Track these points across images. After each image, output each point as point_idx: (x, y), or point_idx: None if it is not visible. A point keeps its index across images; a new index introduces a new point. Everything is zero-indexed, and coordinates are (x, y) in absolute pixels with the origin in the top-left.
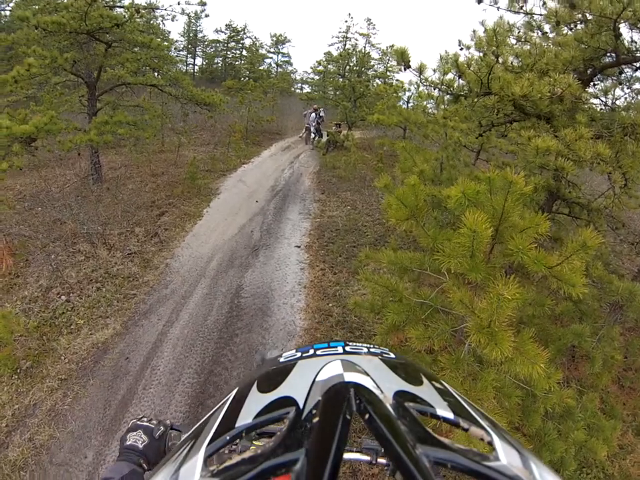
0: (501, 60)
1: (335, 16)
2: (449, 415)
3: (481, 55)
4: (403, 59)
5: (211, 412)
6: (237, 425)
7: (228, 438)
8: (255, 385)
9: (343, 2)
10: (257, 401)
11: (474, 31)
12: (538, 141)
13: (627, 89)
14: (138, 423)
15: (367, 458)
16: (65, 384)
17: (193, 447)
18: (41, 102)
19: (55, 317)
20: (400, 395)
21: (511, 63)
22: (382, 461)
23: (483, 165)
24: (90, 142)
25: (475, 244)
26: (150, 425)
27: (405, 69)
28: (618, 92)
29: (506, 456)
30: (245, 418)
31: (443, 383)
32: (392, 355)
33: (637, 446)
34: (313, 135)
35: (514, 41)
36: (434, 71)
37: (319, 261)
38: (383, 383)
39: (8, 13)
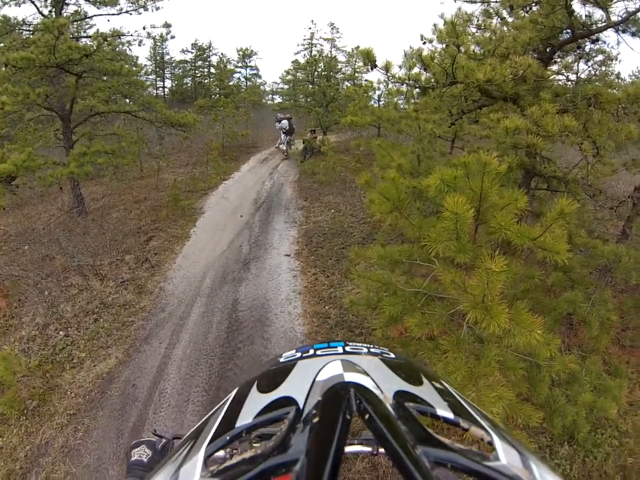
0: (462, 49)
1: (299, 24)
2: (449, 414)
3: (444, 46)
4: (369, 59)
5: (211, 412)
6: (237, 425)
7: (228, 438)
8: (255, 385)
9: (306, 9)
10: (257, 401)
11: (434, 25)
12: (506, 121)
13: (586, 63)
14: (140, 440)
15: (369, 449)
16: (75, 418)
17: (192, 447)
18: (15, 140)
19: (55, 353)
20: (400, 395)
21: (473, 51)
22: (383, 451)
23: (459, 153)
24: (71, 174)
25: (459, 226)
26: (151, 439)
27: (371, 69)
28: (582, 66)
29: (506, 456)
30: (245, 418)
31: (443, 383)
32: (392, 355)
33: None
34: (283, 146)
35: (474, 30)
36: (400, 67)
37: (310, 266)
38: (383, 383)
39: None
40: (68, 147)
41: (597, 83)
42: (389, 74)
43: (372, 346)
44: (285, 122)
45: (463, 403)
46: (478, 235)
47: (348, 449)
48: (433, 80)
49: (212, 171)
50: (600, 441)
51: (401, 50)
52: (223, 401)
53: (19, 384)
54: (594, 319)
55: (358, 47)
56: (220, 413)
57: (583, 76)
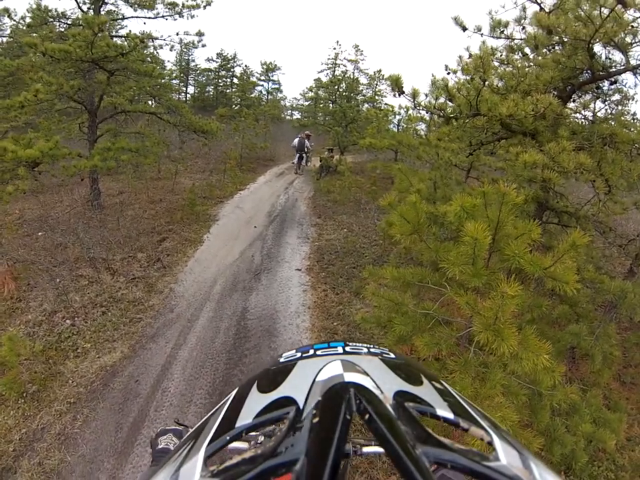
0: (487, 83)
1: (323, 43)
2: (449, 415)
3: (468, 78)
4: (397, 85)
5: (211, 412)
6: (237, 425)
7: (228, 438)
8: (255, 384)
9: (331, 29)
10: (257, 401)
11: (460, 57)
12: (525, 155)
13: (604, 102)
14: (166, 427)
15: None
16: (74, 407)
17: (193, 447)
18: (39, 128)
19: (60, 340)
20: (400, 395)
21: (496, 85)
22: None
23: (473, 183)
24: (94, 167)
25: (477, 251)
26: (178, 427)
27: (399, 95)
28: (599, 104)
29: (506, 456)
30: (245, 418)
31: (443, 383)
32: (392, 355)
33: None
34: (304, 161)
35: (497, 64)
36: (425, 95)
37: (321, 282)
38: (383, 383)
39: (4, 40)
40: (92, 141)
41: (612, 123)
42: (415, 101)
43: (372, 346)
44: (295, 140)
45: (463, 403)
46: (491, 262)
47: (366, 449)
48: (457, 110)
49: (228, 180)
50: (597, 473)
51: (422, 77)
52: (223, 401)
53: (21, 367)
54: (597, 352)
55: (380, 70)
56: (220, 412)
57: (599, 114)
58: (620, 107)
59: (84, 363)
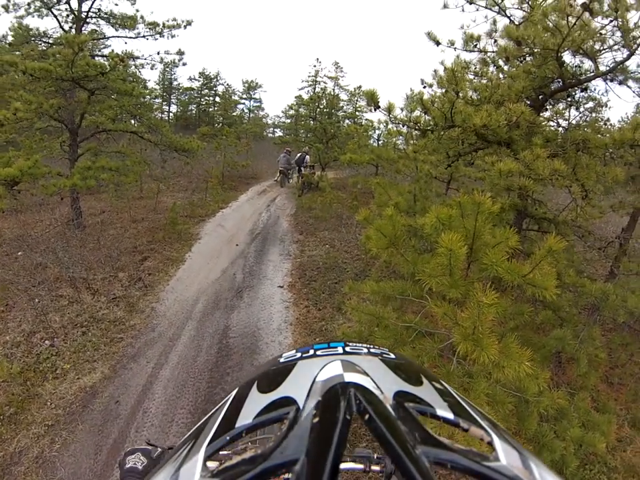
0: (461, 95)
1: (303, 60)
2: (449, 415)
3: (443, 91)
4: (372, 100)
5: (211, 412)
6: (237, 425)
7: (228, 438)
8: (255, 385)
9: (311, 47)
10: (257, 401)
11: (435, 71)
12: (500, 164)
13: (577, 109)
14: (135, 447)
15: (361, 466)
16: (52, 430)
17: (192, 447)
18: (20, 147)
19: (39, 362)
20: (400, 396)
21: (470, 97)
22: (375, 468)
23: (454, 194)
24: (73, 186)
25: (453, 261)
26: (147, 447)
27: (374, 109)
28: (573, 112)
29: (506, 456)
30: (245, 418)
31: (443, 383)
32: (392, 355)
33: (635, 437)
34: (295, 174)
35: (472, 76)
36: (401, 109)
37: (303, 299)
38: (383, 384)
39: None
40: (73, 160)
41: (586, 129)
42: (391, 115)
43: (372, 346)
44: (281, 156)
45: (462, 403)
46: (470, 272)
47: (340, 466)
48: (432, 123)
49: (210, 198)
50: (589, 477)
51: (399, 89)
52: (223, 401)
53: None
54: (582, 356)
55: (360, 86)
56: (220, 413)
57: (574, 122)
58: (594, 114)
59: (63, 385)
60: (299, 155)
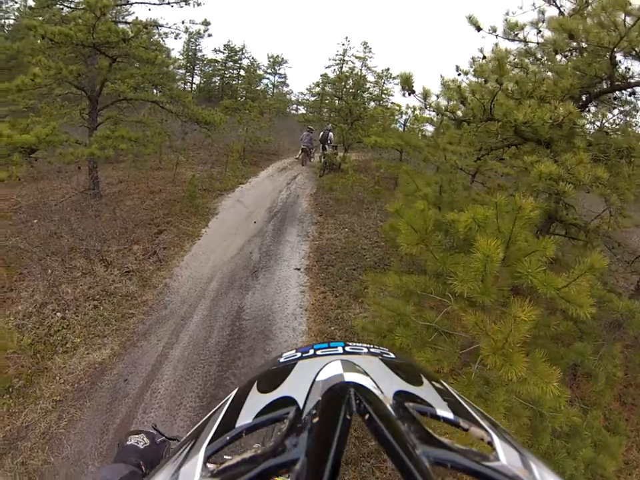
0: (502, 87)
1: (332, 38)
2: (449, 415)
3: (481, 81)
4: (407, 84)
5: (211, 412)
6: (236, 425)
7: (228, 438)
8: (255, 385)
9: (340, 25)
10: (257, 401)
11: (473, 58)
12: (541, 166)
13: (613, 109)
14: (140, 428)
15: None
16: (60, 406)
17: (192, 447)
18: (41, 113)
19: (49, 334)
20: (400, 395)
21: (510, 89)
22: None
23: (478, 187)
24: (91, 156)
25: (488, 268)
26: (152, 431)
27: (409, 94)
28: (609, 115)
29: (506, 456)
30: (245, 418)
31: (443, 383)
32: (392, 355)
33: None
34: (317, 154)
35: (509, 67)
36: (437, 96)
37: (319, 284)
38: (383, 383)
39: (11, 22)
40: (92, 128)
41: (625, 136)
42: (426, 102)
43: (372, 346)
44: (307, 135)
45: (463, 403)
46: (501, 277)
47: None
48: (470, 114)
49: (230, 173)
50: None
51: (428, 75)
52: (223, 401)
53: (7, 360)
54: (601, 373)
55: (388, 68)
56: (220, 412)
57: (607, 125)
58: (628, 118)
59: (72, 359)
60: (322, 132)
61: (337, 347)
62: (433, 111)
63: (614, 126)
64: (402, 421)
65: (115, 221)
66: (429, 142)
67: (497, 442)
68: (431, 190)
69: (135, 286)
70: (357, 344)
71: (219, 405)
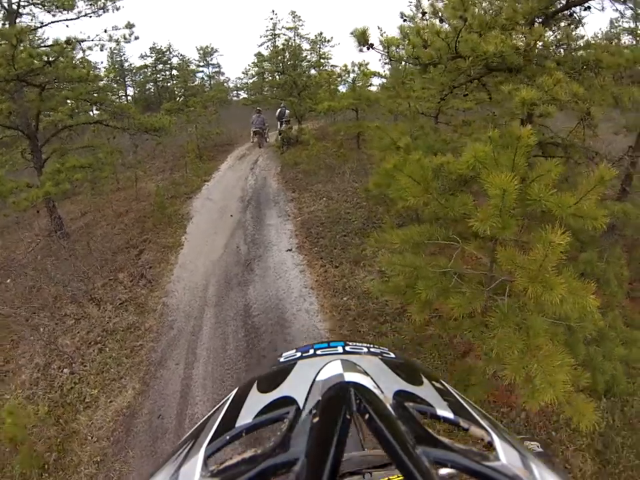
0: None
1: (257, 16)
2: (449, 414)
3: (436, 21)
4: (364, 39)
5: (211, 412)
6: (236, 425)
7: (228, 438)
8: (255, 384)
9: (263, 3)
10: (257, 401)
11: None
12: (522, 92)
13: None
14: None
15: None
16: (104, 465)
17: (192, 447)
18: None
19: (64, 395)
20: (400, 395)
21: (470, 24)
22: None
23: (442, 127)
24: (47, 195)
25: (506, 202)
26: None
27: (367, 49)
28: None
29: (506, 456)
30: (245, 418)
31: (443, 383)
32: (392, 355)
33: None
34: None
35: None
36: (395, 47)
37: (316, 258)
38: (383, 383)
39: None
40: (39, 167)
41: (595, 48)
42: (389, 52)
43: (372, 346)
44: (258, 118)
45: (463, 402)
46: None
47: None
48: (436, 56)
49: (191, 174)
50: (632, 390)
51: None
52: (223, 401)
53: (31, 437)
54: (612, 276)
55: (321, 33)
56: (220, 412)
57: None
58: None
59: (97, 413)
60: (279, 110)
61: (337, 347)
62: (396, 60)
63: (577, 44)
64: (402, 421)
65: (91, 254)
66: (389, 93)
67: (497, 442)
68: (408, 139)
69: (134, 315)
70: (357, 344)
71: (219, 404)
